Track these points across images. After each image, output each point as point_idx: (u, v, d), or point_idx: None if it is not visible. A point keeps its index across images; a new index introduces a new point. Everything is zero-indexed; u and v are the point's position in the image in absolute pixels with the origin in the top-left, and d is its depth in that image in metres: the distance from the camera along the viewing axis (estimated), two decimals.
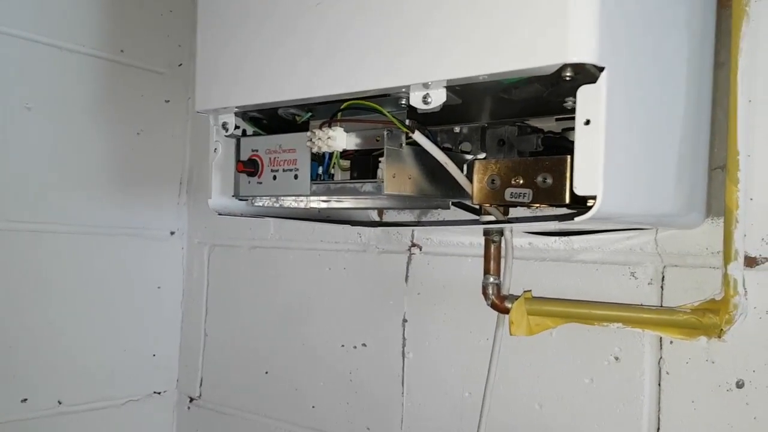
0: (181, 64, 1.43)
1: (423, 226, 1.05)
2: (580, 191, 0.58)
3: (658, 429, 0.85)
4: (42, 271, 1.23)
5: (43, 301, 1.23)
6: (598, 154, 0.56)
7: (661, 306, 0.84)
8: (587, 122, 0.57)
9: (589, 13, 0.55)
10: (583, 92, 0.57)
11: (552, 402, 0.93)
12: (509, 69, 0.58)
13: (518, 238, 0.96)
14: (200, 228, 1.44)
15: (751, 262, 0.78)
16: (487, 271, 0.89)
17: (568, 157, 0.64)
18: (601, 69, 0.56)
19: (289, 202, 0.89)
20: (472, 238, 1.01)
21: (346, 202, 0.90)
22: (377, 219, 1.12)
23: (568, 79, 0.58)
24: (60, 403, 1.26)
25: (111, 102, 1.32)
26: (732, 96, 0.77)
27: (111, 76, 1.32)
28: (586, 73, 0.57)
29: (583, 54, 0.55)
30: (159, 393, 1.43)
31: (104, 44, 1.30)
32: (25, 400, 1.21)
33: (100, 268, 1.31)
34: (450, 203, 0.94)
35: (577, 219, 0.58)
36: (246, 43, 0.78)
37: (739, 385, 0.79)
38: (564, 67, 0.56)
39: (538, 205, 0.76)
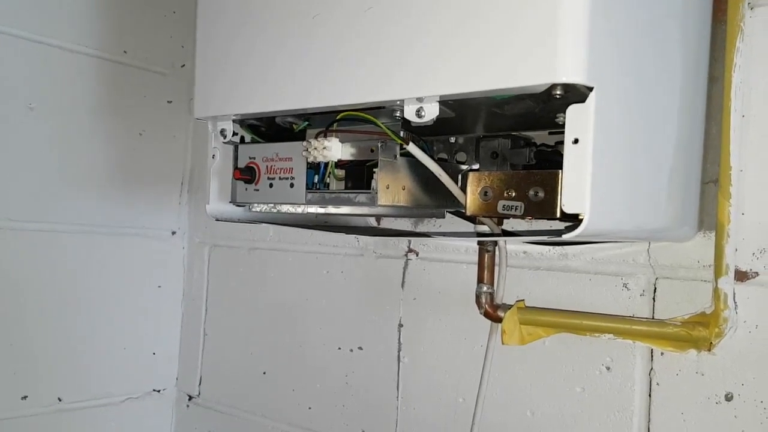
0: (183, 65, 1.43)
1: (418, 236, 1.06)
2: (568, 209, 0.59)
3: None
4: (43, 270, 1.24)
5: (44, 299, 1.25)
6: (585, 173, 0.57)
7: (653, 318, 0.85)
8: (576, 141, 0.58)
9: (578, 33, 0.56)
10: (572, 111, 0.58)
11: (544, 410, 0.94)
12: (499, 87, 0.59)
13: (512, 246, 0.96)
14: (201, 228, 1.45)
15: (741, 276, 0.79)
16: (480, 280, 0.90)
17: (560, 171, 0.64)
18: (591, 89, 0.57)
19: (287, 208, 0.89)
20: (468, 244, 1.02)
21: (343, 209, 0.91)
22: (375, 224, 1.13)
23: (558, 97, 0.58)
24: (60, 400, 1.28)
25: (113, 102, 1.33)
26: (725, 111, 0.78)
27: (114, 77, 1.33)
28: (576, 92, 0.58)
29: (572, 74, 0.56)
30: (158, 391, 1.45)
31: (107, 45, 1.31)
32: (26, 397, 1.23)
33: (102, 266, 1.33)
34: (445, 212, 0.94)
35: (564, 237, 0.59)
36: (244, 52, 0.79)
37: (728, 397, 0.80)
38: (554, 86, 0.57)
39: (531, 217, 0.77)
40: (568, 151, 0.58)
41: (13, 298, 1.21)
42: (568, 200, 0.58)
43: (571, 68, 0.56)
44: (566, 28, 0.56)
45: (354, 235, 1.16)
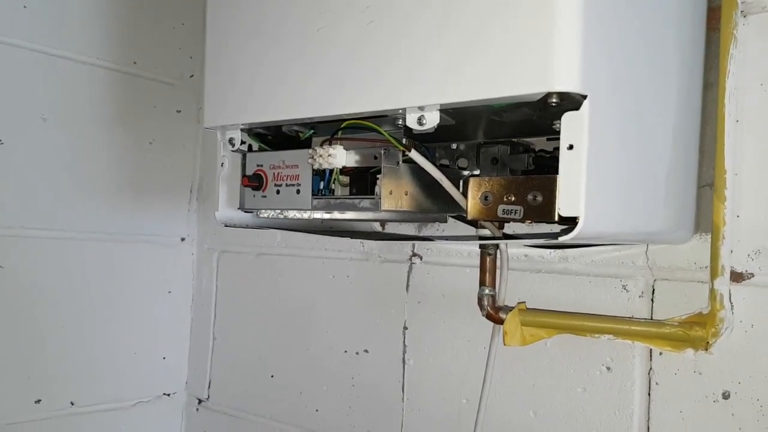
0: (192, 76, 1.46)
1: (421, 240, 1.08)
2: (563, 212, 0.61)
3: None
4: (55, 276, 1.27)
5: (56, 305, 1.27)
6: (580, 178, 0.59)
7: (651, 319, 0.87)
8: (570, 147, 0.60)
9: (573, 43, 0.58)
10: (567, 119, 0.60)
11: (546, 410, 0.96)
12: (497, 96, 0.61)
13: (513, 249, 0.98)
14: (210, 235, 1.47)
15: (737, 277, 0.81)
16: (482, 283, 0.92)
17: (557, 176, 0.66)
18: (584, 97, 0.59)
19: (293, 214, 0.92)
20: (471, 248, 1.04)
21: (347, 214, 0.93)
22: (380, 229, 1.15)
23: (554, 105, 0.61)
24: (72, 404, 1.30)
25: (124, 112, 1.36)
26: (720, 116, 0.80)
27: (124, 88, 1.36)
28: (571, 100, 0.60)
29: (566, 83, 0.58)
30: (168, 395, 1.47)
31: (117, 56, 1.34)
32: (39, 401, 1.25)
33: (113, 273, 1.35)
34: (447, 216, 0.96)
35: (561, 239, 0.61)
36: (252, 64, 0.82)
37: (726, 396, 0.82)
38: (549, 94, 0.59)
39: (530, 220, 0.79)
40: (564, 156, 0.60)
41: (26, 304, 1.24)
42: (564, 204, 0.61)
43: (566, 77, 0.58)
44: (561, 38, 0.58)
45: (359, 240, 1.18)
